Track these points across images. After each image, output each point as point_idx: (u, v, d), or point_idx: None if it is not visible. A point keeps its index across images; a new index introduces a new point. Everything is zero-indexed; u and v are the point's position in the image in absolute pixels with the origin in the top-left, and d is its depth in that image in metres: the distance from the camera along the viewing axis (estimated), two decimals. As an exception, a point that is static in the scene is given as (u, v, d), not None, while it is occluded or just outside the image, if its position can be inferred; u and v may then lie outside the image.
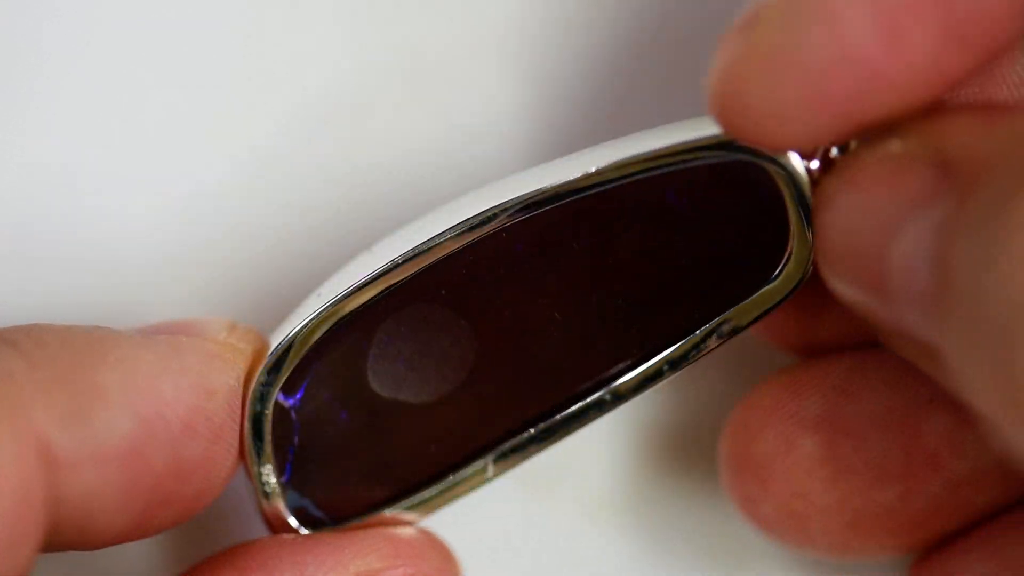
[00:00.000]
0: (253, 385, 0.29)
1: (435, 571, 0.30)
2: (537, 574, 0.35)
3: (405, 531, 0.31)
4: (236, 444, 0.29)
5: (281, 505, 0.30)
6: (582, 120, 0.34)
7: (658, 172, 0.29)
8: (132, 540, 0.29)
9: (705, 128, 0.29)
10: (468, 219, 0.29)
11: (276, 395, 0.29)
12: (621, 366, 0.31)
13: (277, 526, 0.31)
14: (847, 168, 0.28)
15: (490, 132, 0.34)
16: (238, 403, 0.29)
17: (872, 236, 0.27)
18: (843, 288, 0.28)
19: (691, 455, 0.35)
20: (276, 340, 0.29)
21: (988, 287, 0.24)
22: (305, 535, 0.31)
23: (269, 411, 0.29)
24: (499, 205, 0.29)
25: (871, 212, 0.27)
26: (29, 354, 0.27)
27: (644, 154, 0.29)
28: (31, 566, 0.26)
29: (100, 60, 0.33)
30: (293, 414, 0.30)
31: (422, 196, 0.34)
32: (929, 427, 0.30)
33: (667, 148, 0.29)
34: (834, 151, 0.29)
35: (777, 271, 0.30)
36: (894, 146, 0.27)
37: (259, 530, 0.32)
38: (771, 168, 0.29)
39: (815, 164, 0.29)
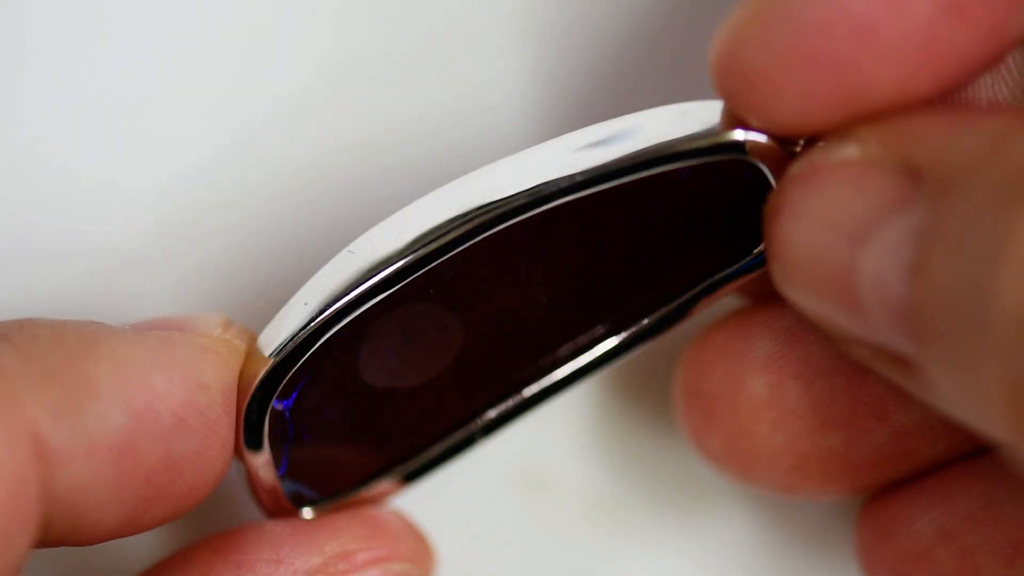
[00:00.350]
0: (248, 396, 0.29)
1: (409, 553, 0.31)
2: (531, 573, 0.35)
3: (383, 513, 0.31)
4: (230, 439, 0.29)
5: (279, 495, 0.31)
6: (587, 95, 0.34)
7: (641, 175, 0.28)
8: (124, 536, 0.29)
9: (698, 114, 0.28)
10: (454, 220, 0.28)
11: (271, 403, 0.29)
12: (602, 331, 0.31)
13: (275, 512, 0.31)
14: (801, 175, 0.28)
15: (493, 109, 0.34)
16: (233, 399, 0.29)
17: (838, 245, 0.26)
18: (803, 299, 0.28)
19: (688, 456, 0.35)
20: (268, 348, 0.29)
21: (986, 298, 0.23)
22: (284, 522, 0.31)
23: (266, 419, 0.29)
24: (484, 207, 0.28)
25: (835, 220, 0.26)
26: (21, 348, 0.27)
27: (628, 157, 0.28)
28: (24, 560, 0.26)
29: (90, 54, 0.33)
30: (287, 415, 0.30)
31: (422, 175, 0.34)
32: (875, 377, 0.30)
33: (651, 152, 0.28)
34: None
35: (753, 251, 0.30)
36: (850, 151, 0.27)
37: (248, 517, 0.32)
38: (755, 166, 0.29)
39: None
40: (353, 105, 0.34)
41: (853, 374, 0.31)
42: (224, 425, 0.29)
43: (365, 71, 0.34)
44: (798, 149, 0.28)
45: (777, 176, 0.28)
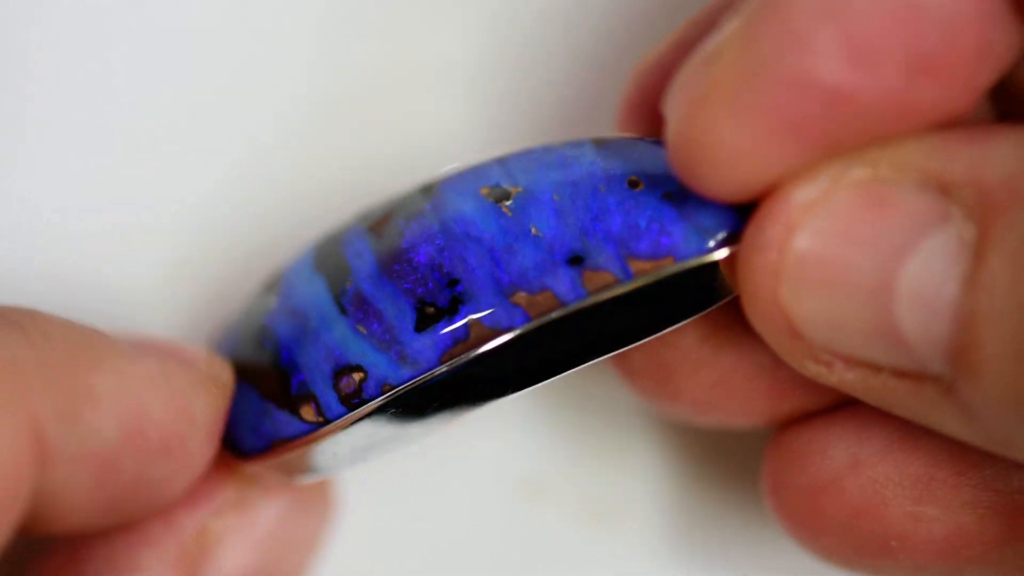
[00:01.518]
0: None
1: (315, 488, 0.32)
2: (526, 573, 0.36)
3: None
4: (201, 470, 0.30)
5: None
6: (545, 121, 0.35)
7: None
8: (74, 534, 0.30)
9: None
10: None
11: None
12: None
13: None
14: (812, 198, 0.27)
15: (445, 151, 0.34)
16: (215, 434, 0.30)
17: (871, 261, 0.26)
18: (809, 318, 0.27)
19: (685, 456, 0.36)
20: None
21: None
22: None
23: None
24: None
25: (864, 237, 0.27)
26: (36, 345, 0.27)
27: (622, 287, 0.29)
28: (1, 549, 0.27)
29: (82, 68, 0.33)
30: None
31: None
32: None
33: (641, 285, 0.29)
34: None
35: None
36: (860, 172, 0.27)
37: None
38: None
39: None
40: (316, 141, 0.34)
41: None
42: (200, 460, 0.30)
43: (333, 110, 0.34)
44: None
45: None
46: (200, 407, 0.29)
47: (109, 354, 0.28)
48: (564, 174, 0.29)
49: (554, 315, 0.29)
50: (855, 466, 0.31)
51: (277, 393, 0.30)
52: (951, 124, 0.27)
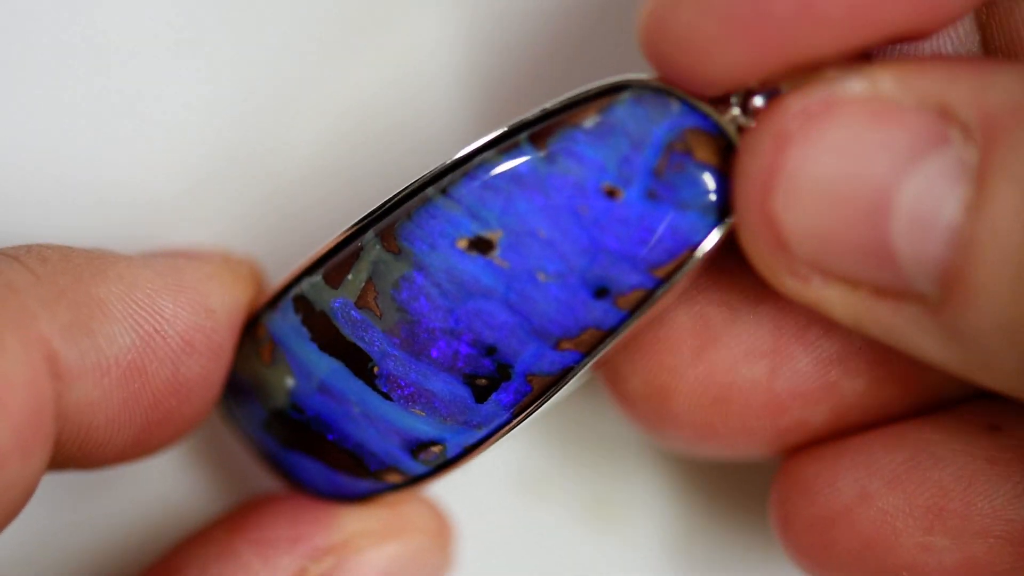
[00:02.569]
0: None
1: (429, 533, 0.31)
2: (528, 574, 0.36)
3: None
4: (230, 361, 0.30)
5: None
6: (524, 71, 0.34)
7: None
8: (132, 460, 0.29)
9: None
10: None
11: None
12: None
13: None
14: (811, 108, 0.27)
15: (434, 86, 0.34)
16: (237, 323, 0.29)
17: (870, 176, 0.26)
18: (803, 232, 0.27)
19: (687, 457, 0.36)
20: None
21: None
22: (299, 496, 0.31)
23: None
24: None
25: (863, 152, 0.26)
26: (32, 268, 0.27)
27: None
28: (40, 476, 0.27)
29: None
30: None
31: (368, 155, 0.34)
32: (799, 305, 0.30)
33: None
34: (758, 100, 0.28)
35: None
36: (861, 87, 0.27)
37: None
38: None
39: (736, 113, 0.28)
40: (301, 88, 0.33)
41: (776, 300, 0.30)
42: (229, 348, 0.29)
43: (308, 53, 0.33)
44: (735, 112, 0.28)
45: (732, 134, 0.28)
46: (216, 297, 0.29)
47: (112, 264, 0.28)
48: (528, 199, 0.28)
49: (606, 344, 0.29)
50: (864, 498, 0.30)
51: (352, 468, 0.30)
52: (917, 39, 0.27)
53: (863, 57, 0.28)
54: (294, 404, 0.30)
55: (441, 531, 0.31)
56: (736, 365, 0.31)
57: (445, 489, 0.33)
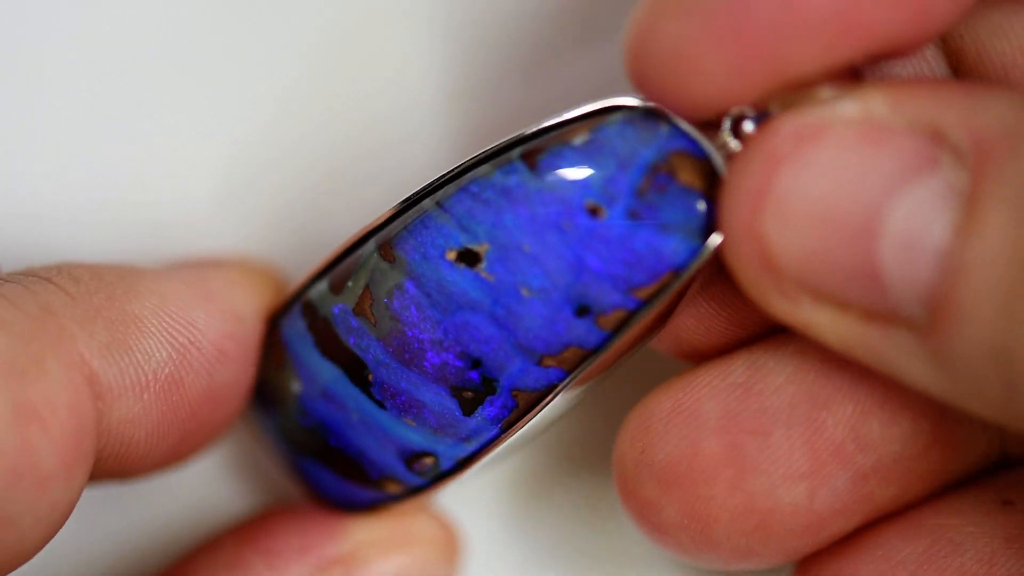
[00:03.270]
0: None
1: (436, 544, 0.31)
2: (529, 573, 0.35)
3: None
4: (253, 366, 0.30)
5: None
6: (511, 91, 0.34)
7: None
8: (167, 470, 0.30)
9: None
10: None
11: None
12: None
13: None
14: (803, 130, 0.27)
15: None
16: (261, 326, 0.30)
17: (858, 198, 0.26)
18: (793, 255, 0.27)
19: None
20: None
21: None
22: (310, 506, 0.31)
23: None
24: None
25: (853, 175, 0.26)
26: (65, 289, 0.27)
27: None
28: (79, 496, 0.27)
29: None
30: None
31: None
32: (833, 419, 0.30)
33: None
34: (748, 125, 0.28)
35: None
36: (853, 109, 0.27)
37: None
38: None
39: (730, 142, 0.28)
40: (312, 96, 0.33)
41: (810, 419, 0.30)
42: (255, 351, 0.30)
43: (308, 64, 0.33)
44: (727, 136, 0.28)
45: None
46: (243, 303, 0.29)
47: (142, 279, 0.28)
48: (515, 214, 0.28)
49: (588, 363, 0.29)
50: None
51: (356, 476, 0.30)
52: (901, 54, 0.27)
53: (853, 76, 0.28)
54: (302, 409, 0.30)
55: (448, 542, 0.32)
56: (775, 491, 0.30)
57: (445, 491, 0.33)
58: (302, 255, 0.33)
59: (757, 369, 0.30)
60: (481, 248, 0.28)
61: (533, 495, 0.36)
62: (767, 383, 0.30)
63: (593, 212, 0.28)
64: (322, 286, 0.30)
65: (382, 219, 0.29)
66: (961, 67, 0.29)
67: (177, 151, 0.32)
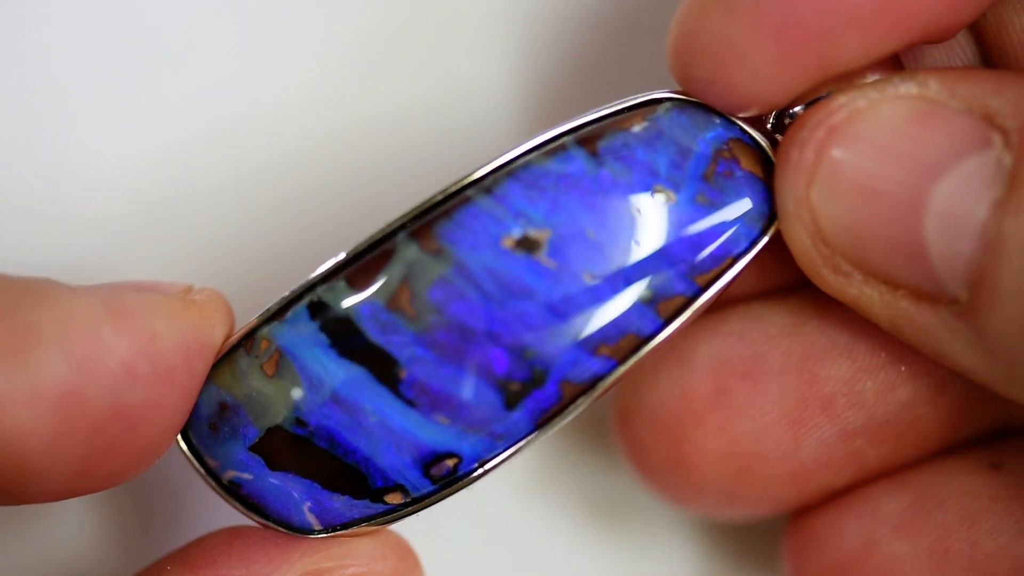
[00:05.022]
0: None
1: (390, 571, 0.30)
2: (527, 574, 0.35)
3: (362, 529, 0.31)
4: (191, 390, 0.29)
5: None
6: (570, 85, 0.34)
7: None
8: (83, 492, 0.29)
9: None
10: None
11: None
12: None
13: None
14: (859, 107, 0.27)
15: (479, 101, 0.34)
16: (192, 350, 0.29)
17: (906, 173, 0.27)
18: (839, 225, 0.28)
19: None
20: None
21: None
22: (255, 531, 0.30)
23: None
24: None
25: (903, 150, 0.27)
26: None
27: None
28: None
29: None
30: None
31: (409, 166, 0.34)
32: (826, 373, 0.30)
33: None
34: (798, 108, 0.29)
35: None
36: (908, 88, 0.27)
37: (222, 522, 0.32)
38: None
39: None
40: (343, 98, 0.33)
41: (803, 371, 0.31)
42: (182, 375, 0.28)
43: (355, 64, 0.33)
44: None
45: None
46: (162, 323, 0.28)
47: (51, 292, 0.28)
48: (579, 199, 0.28)
49: (642, 351, 0.28)
50: (872, 545, 0.31)
51: (350, 486, 0.29)
52: (941, 39, 0.28)
53: (895, 66, 0.29)
54: (297, 418, 0.29)
55: (405, 569, 0.31)
56: (761, 436, 0.31)
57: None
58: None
59: (753, 320, 0.31)
60: (542, 234, 0.28)
61: (532, 494, 0.35)
62: (761, 333, 0.31)
63: (661, 198, 0.28)
64: (336, 284, 0.29)
65: (414, 211, 0.28)
66: (981, 43, 0.30)
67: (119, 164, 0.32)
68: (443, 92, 0.33)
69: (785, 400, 0.31)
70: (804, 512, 0.32)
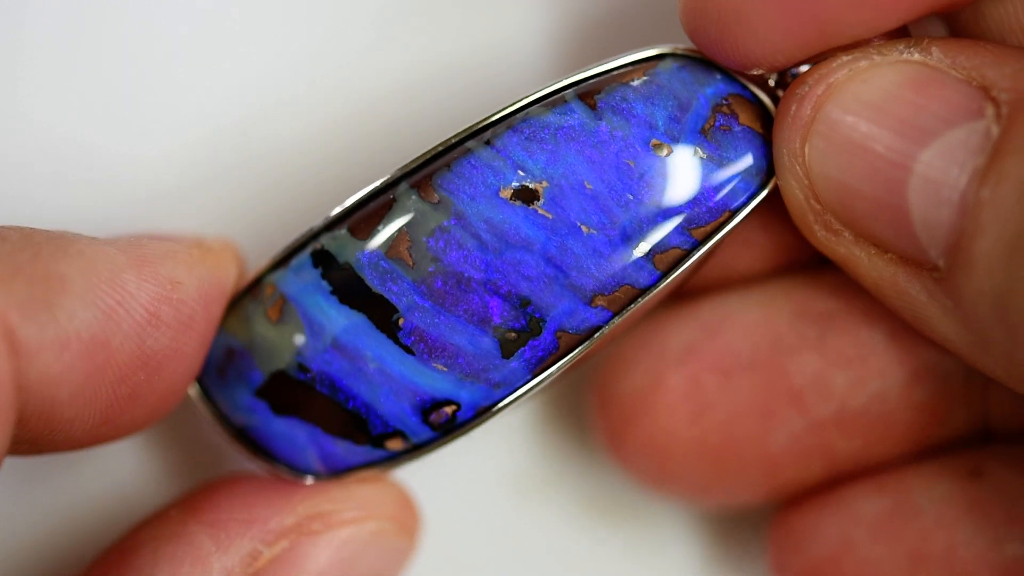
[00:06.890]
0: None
1: (388, 516, 0.30)
2: (527, 574, 0.35)
3: (363, 475, 0.31)
4: (208, 335, 0.29)
5: None
6: (596, 44, 0.34)
7: None
8: (106, 440, 0.29)
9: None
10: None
11: None
12: None
13: None
14: (857, 68, 0.28)
15: (507, 53, 0.34)
16: (211, 296, 0.29)
17: (896, 137, 0.27)
18: (830, 182, 0.28)
19: None
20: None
21: None
22: (257, 477, 0.30)
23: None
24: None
25: (895, 114, 0.27)
26: None
27: None
28: (3, 453, 0.26)
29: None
30: None
31: (433, 125, 0.33)
32: (795, 367, 0.31)
33: None
34: (803, 67, 0.29)
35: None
36: (909, 54, 0.27)
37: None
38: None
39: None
40: (365, 57, 0.33)
41: (772, 364, 0.31)
42: (201, 321, 0.29)
43: (376, 24, 0.33)
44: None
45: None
46: (182, 269, 0.29)
47: (74, 242, 0.28)
48: (577, 152, 0.28)
49: (639, 303, 0.29)
50: (849, 546, 0.31)
51: (352, 432, 0.30)
52: (955, 8, 0.28)
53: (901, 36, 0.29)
54: (300, 363, 0.30)
55: (403, 515, 0.31)
56: (730, 426, 0.31)
57: (445, 491, 0.34)
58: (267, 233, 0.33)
59: (725, 312, 0.31)
60: (539, 185, 0.28)
61: (531, 494, 0.35)
62: (732, 326, 0.31)
63: (658, 151, 0.28)
64: (339, 233, 0.29)
65: (415, 162, 0.29)
66: (955, 32, 0.30)
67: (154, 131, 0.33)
68: (471, 52, 0.34)
69: (753, 393, 0.31)
70: (786, 510, 0.32)
